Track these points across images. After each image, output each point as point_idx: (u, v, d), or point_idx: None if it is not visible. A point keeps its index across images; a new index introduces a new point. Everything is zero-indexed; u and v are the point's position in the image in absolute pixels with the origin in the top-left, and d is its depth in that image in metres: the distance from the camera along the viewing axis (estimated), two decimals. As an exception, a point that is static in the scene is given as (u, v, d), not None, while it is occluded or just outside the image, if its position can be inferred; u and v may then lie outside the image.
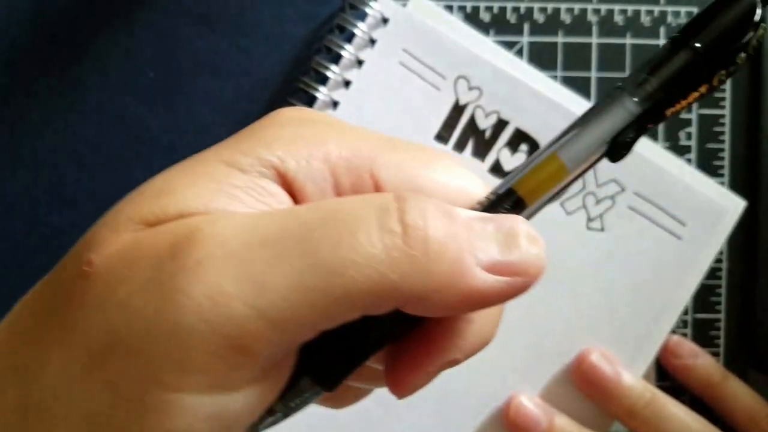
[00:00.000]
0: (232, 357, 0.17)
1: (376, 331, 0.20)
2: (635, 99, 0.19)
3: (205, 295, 0.16)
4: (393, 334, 0.21)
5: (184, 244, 0.17)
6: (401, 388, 0.20)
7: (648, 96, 0.19)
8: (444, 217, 0.18)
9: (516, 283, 0.18)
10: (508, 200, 0.20)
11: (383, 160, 0.20)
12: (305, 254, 0.17)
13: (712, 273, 0.46)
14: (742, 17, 0.18)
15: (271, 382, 0.19)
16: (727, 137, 0.46)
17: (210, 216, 0.18)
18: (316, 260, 0.17)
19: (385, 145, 0.21)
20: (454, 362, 0.20)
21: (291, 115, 0.22)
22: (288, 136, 0.20)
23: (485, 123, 0.43)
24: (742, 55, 0.18)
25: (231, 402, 0.18)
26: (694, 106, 0.46)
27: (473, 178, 0.21)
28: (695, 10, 0.46)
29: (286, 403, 0.21)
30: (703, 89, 0.19)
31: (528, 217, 0.20)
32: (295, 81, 0.43)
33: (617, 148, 0.19)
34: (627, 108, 0.19)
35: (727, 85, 0.46)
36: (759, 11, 0.18)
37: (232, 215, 0.18)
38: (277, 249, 0.17)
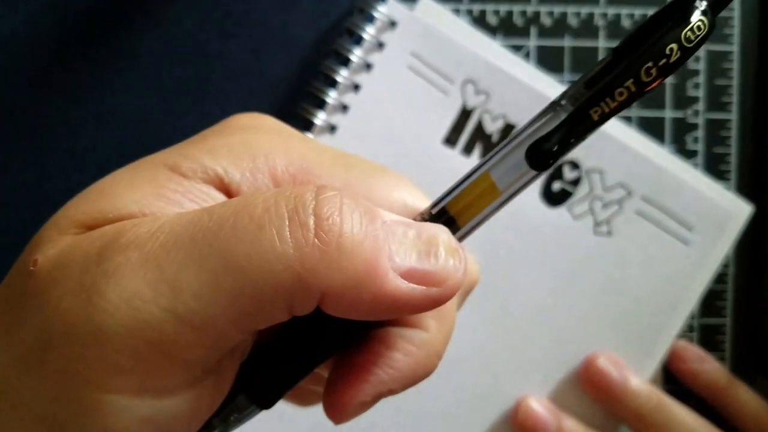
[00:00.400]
0: (157, 360, 0.17)
1: (310, 347, 0.20)
2: (565, 110, 0.18)
3: (122, 299, 0.16)
4: (327, 350, 0.21)
5: (108, 249, 0.17)
6: (336, 414, 0.20)
7: (575, 103, 0.18)
8: (364, 215, 0.18)
9: (430, 294, 0.18)
10: (439, 220, 0.20)
11: (329, 177, 0.20)
12: (215, 253, 0.17)
13: (719, 278, 0.46)
14: (672, 10, 0.17)
15: (209, 390, 0.19)
16: (734, 141, 0.46)
17: (137, 219, 0.18)
18: (226, 258, 0.17)
19: (334, 162, 0.21)
20: (390, 392, 0.20)
21: (243, 122, 0.22)
22: (235, 144, 0.20)
23: (492, 127, 0.43)
24: (673, 46, 0.17)
25: (165, 407, 0.18)
26: (701, 109, 0.46)
27: (421, 198, 0.21)
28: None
29: (223, 419, 0.20)
30: (630, 85, 0.17)
31: (464, 236, 0.20)
32: (305, 84, 0.43)
33: (539, 156, 0.18)
34: (555, 118, 0.18)
35: (734, 89, 0.46)
36: (699, 5, 0.17)
37: (157, 218, 0.18)
38: (190, 249, 0.17)
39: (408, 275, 0.18)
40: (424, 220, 0.20)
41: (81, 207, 0.19)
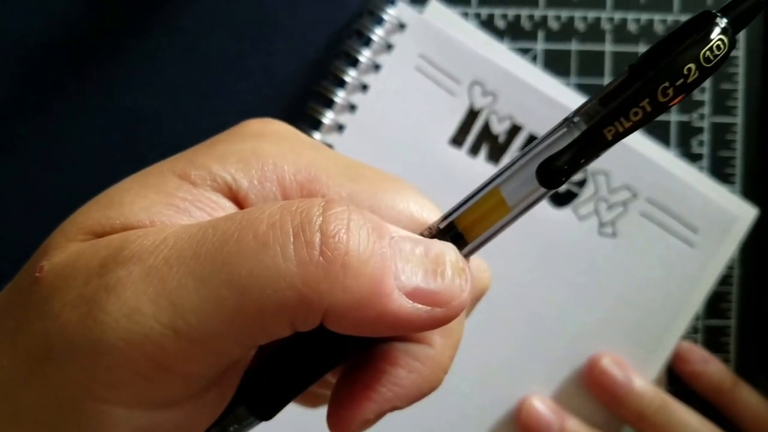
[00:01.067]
0: (156, 375, 0.17)
1: (312, 361, 0.20)
2: (578, 128, 0.18)
3: (122, 314, 0.16)
4: (329, 364, 0.21)
5: (111, 261, 0.17)
6: (339, 430, 0.20)
7: (589, 120, 0.17)
8: (372, 231, 0.17)
9: (435, 314, 0.18)
10: (447, 235, 0.19)
11: (336, 186, 0.20)
12: (218, 270, 0.16)
13: (724, 280, 0.46)
14: (691, 27, 0.16)
15: (212, 400, 0.19)
16: (739, 145, 0.47)
17: (143, 230, 0.18)
18: (228, 275, 0.16)
19: (341, 172, 0.21)
20: (395, 409, 0.20)
21: (253, 128, 0.21)
22: (245, 151, 0.20)
23: (499, 128, 0.44)
24: (691, 66, 0.16)
25: (165, 418, 0.18)
26: (707, 113, 0.46)
27: (429, 208, 0.21)
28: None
29: (222, 429, 0.20)
30: (645, 104, 0.17)
31: (472, 252, 0.20)
32: (315, 84, 0.44)
33: (550, 174, 0.18)
34: (568, 135, 0.18)
35: (740, 94, 0.47)
36: (719, 22, 0.16)
37: (162, 229, 0.18)
38: (192, 264, 0.17)
39: (413, 294, 0.17)
40: (431, 234, 0.20)
41: (90, 214, 0.19)
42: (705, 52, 0.16)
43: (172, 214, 0.19)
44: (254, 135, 0.21)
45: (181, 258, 0.17)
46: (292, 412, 0.22)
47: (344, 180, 0.20)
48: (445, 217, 0.20)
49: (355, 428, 0.20)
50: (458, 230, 0.19)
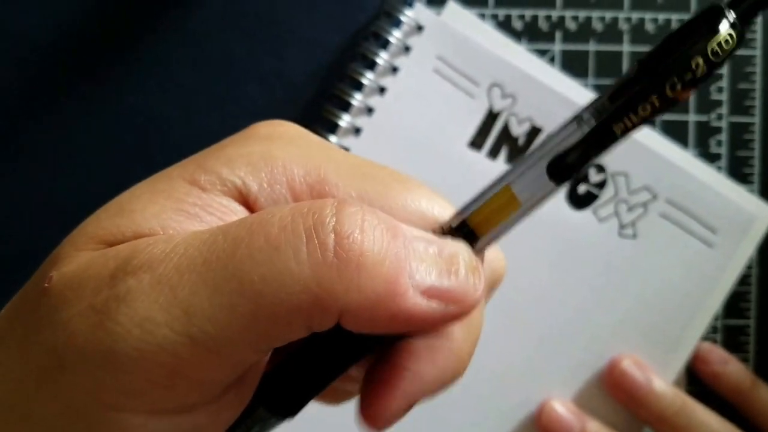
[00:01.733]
0: (172, 382, 0.17)
1: (330, 359, 0.20)
2: (588, 124, 0.18)
3: (134, 324, 0.16)
4: (347, 362, 0.21)
5: (121, 270, 0.17)
6: (372, 424, 0.20)
7: (598, 117, 0.18)
8: (386, 231, 0.17)
9: (449, 311, 0.18)
10: (459, 233, 0.19)
11: (346, 187, 0.20)
12: (230, 276, 0.16)
13: (743, 279, 0.46)
14: (700, 21, 0.16)
15: (231, 403, 0.19)
16: (757, 145, 0.47)
17: (153, 238, 0.18)
18: (241, 281, 0.16)
19: (351, 172, 0.20)
20: (420, 401, 0.20)
21: (262, 131, 0.21)
22: (254, 154, 0.20)
23: (519, 130, 0.44)
24: (699, 60, 0.16)
25: (183, 423, 0.18)
26: (725, 113, 0.46)
27: (441, 205, 0.21)
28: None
29: (247, 430, 0.20)
30: (654, 100, 0.17)
31: (484, 248, 0.20)
32: (330, 87, 0.44)
33: (561, 170, 0.18)
34: (578, 131, 0.18)
35: (757, 93, 0.46)
36: (728, 16, 0.16)
37: (172, 236, 0.18)
38: (203, 272, 0.17)
39: (427, 293, 0.17)
40: (443, 232, 0.20)
41: (100, 223, 0.19)
42: (713, 45, 0.16)
43: (183, 220, 0.19)
44: (263, 138, 0.21)
45: (192, 265, 0.17)
46: (313, 409, 0.22)
47: (354, 180, 0.20)
48: (456, 215, 0.20)
49: (384, 423, 0.20)
50: (470, 227, 0.19)
